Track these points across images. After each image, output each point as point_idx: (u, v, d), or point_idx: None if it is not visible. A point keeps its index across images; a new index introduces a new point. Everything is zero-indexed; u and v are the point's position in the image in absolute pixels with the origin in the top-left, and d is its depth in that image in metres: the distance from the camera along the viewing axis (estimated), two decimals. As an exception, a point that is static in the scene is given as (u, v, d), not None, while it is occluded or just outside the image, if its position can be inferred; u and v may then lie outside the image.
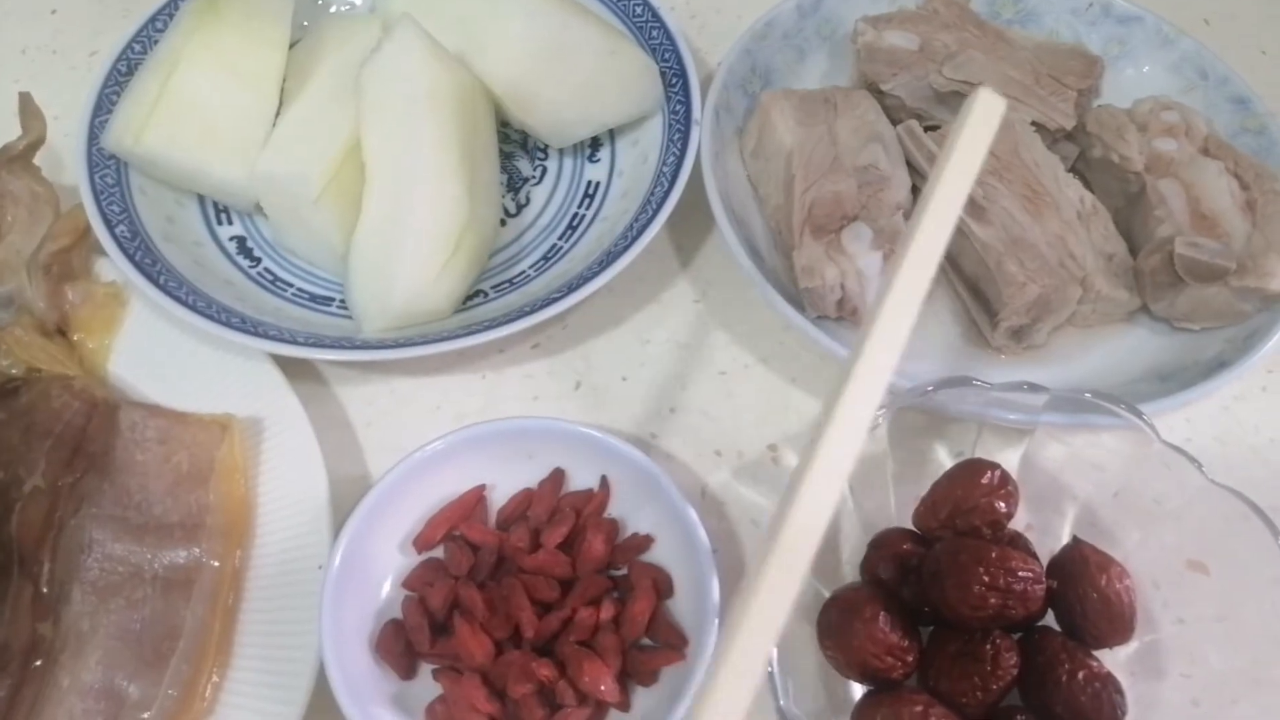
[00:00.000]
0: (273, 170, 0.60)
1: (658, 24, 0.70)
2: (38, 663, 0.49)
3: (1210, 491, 0.50)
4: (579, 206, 0.68)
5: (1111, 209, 0.65)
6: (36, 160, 0.64)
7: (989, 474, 0.51)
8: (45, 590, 0.50)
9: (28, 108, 0.64)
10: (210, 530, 0.53)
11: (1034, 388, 0.53)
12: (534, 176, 0.70)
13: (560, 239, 0.66)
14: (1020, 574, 0.48)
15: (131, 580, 0.51)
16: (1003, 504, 0.51)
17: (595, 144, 0.71)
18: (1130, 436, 0.53)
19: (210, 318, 0.57)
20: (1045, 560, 0.52)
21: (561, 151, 0.71)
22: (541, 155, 0.71)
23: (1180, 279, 0.59)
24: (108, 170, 0.62)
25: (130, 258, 0.58)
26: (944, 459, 0.58)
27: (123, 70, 0.66)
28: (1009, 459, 0.56)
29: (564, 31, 0.63)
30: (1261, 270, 0.57)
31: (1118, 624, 0.49)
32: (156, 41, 0.66)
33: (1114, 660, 0.51)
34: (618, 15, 0.71)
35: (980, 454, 0.55)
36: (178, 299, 0.57)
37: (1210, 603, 0.51)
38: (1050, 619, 0.51)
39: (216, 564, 0.52)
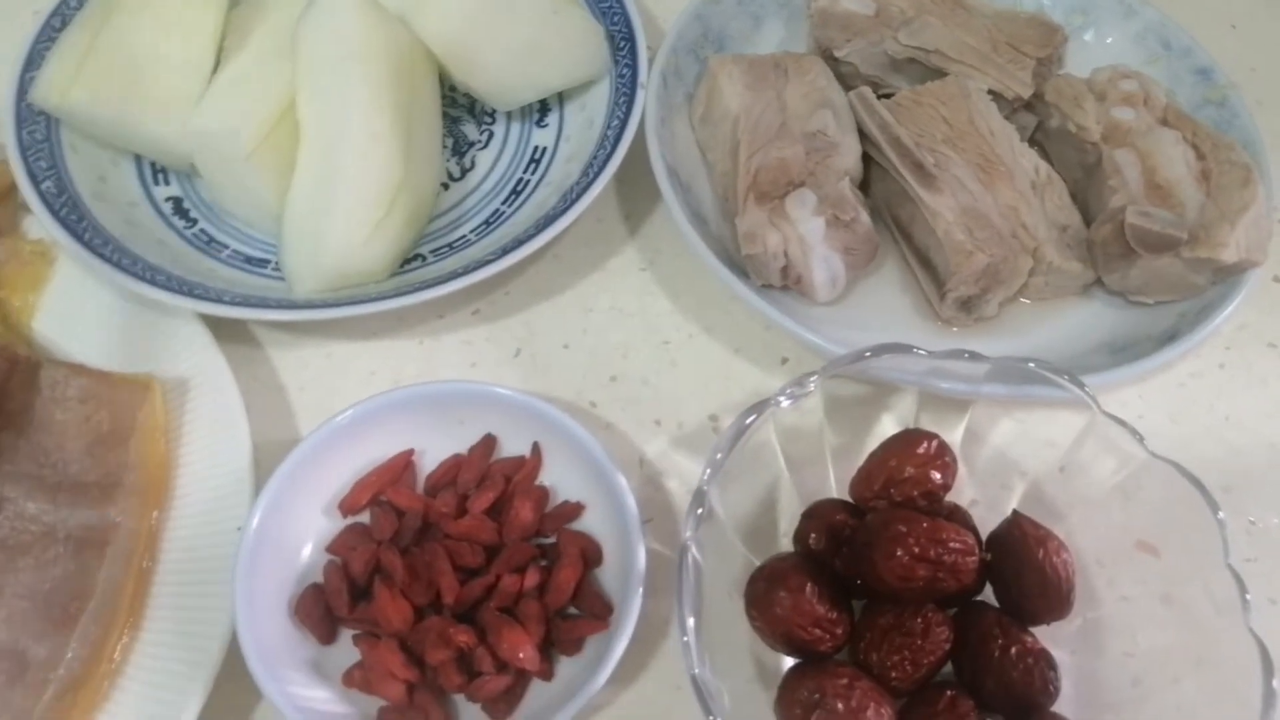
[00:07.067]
0: (205, 126, 0.58)
1: (608, -14, 0.68)
2: (-60, 624, 0.48)
3: (1152, 466, 0.49)
4: (524, 171, 0.66)
5: (1070, 180, 0.64)
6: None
7: (925, 444, 0.50)
8: (-48, 550, 0.49)
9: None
10: (127, 490, 0.51)
11: (975, 356, 0.51)
12: (480, 141, 0.68)
13: (504, 204, 0.65)
14: (951, 545, 0.46)
15: (43, 539, 0.50)
16: (938, 474, 0.49)
17: (544, 109, 0.69)
18: (1076, 410, 0.51)
19: (136, 275, 0.55)
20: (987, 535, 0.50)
21: (509, 116, 0.69)
22: (489, 120, 0.69)
23: (1132, 250, 0.57)
24: (36, 126, 0.61)
25: (55, 213, 0.57)
26: (889, 433, 0.57)
27: (57, 25, 0.64)
28: (956, 434, 0.55)
29: (504, -10, 0.61)
30: (1214, 241, 0.56)
31: (1054, 599, 0.48)
32: (93, -4, 0.65)
33: (1055, 637, 0.49)
34: (569, -24, 0.70)
35: (924, 426, 0.54)
36: (102, 256, 0.56)
37: (1155, 581, 0.50)
38: (990, 595, 0.50)
39: (132, 524, 0.51)
